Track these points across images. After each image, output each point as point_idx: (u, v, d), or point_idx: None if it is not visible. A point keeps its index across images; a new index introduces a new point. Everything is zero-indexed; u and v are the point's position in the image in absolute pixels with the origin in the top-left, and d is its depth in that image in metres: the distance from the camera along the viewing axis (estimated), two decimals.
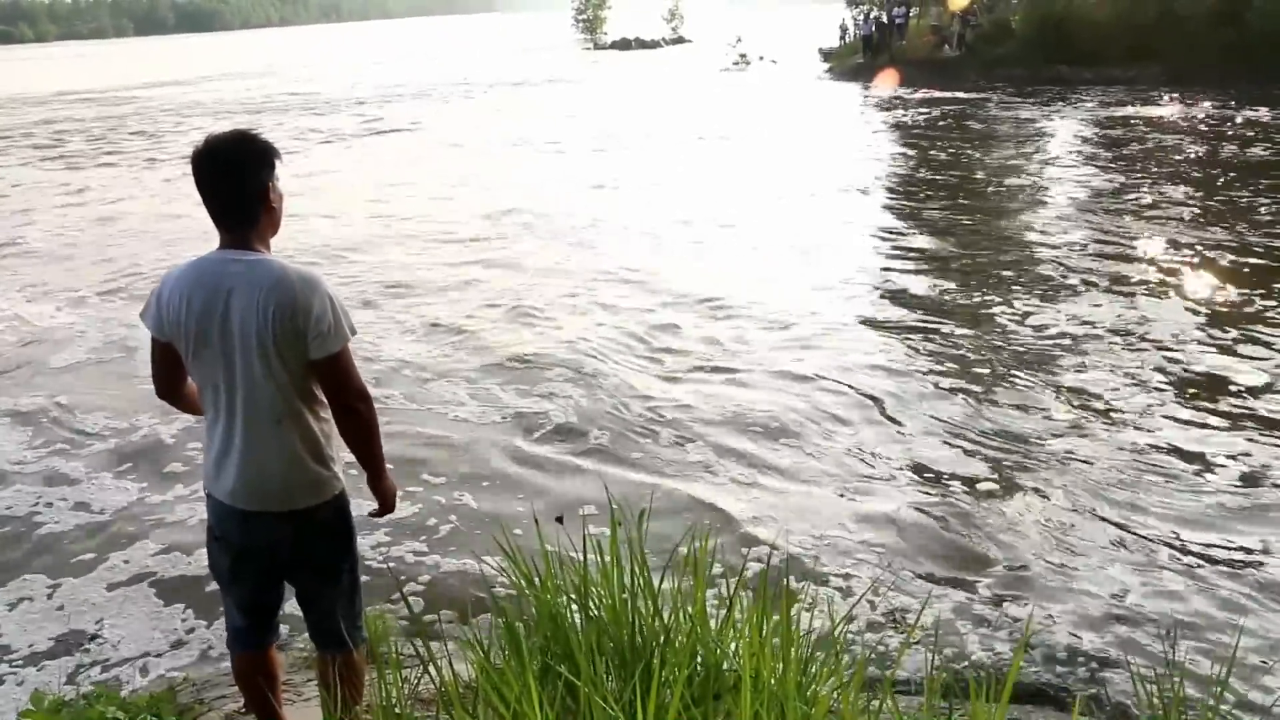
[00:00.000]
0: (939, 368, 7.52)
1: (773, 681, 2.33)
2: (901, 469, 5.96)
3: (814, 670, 2.58)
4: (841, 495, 5.70)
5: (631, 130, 22.62)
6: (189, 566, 5.20)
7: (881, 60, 32.69)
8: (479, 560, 5.00)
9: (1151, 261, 10.12)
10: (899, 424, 6.59)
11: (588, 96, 31.34)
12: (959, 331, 8.28)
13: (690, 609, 2.52)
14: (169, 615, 4.83)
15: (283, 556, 2.88)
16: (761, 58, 42.28)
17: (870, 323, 8.75)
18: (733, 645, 2.55)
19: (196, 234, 13.07)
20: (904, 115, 23.06)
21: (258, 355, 2.65)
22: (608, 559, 2.58)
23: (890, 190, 14.92)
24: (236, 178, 2.69)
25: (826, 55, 39.05)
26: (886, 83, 29.54)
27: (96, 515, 5.83)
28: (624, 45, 63.23)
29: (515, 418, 7.05)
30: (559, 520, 3.12)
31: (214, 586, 4.84)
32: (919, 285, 9.73)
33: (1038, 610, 4.42)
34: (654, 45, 63.15)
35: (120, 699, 3.56)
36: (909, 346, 8.04)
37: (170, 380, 2.91)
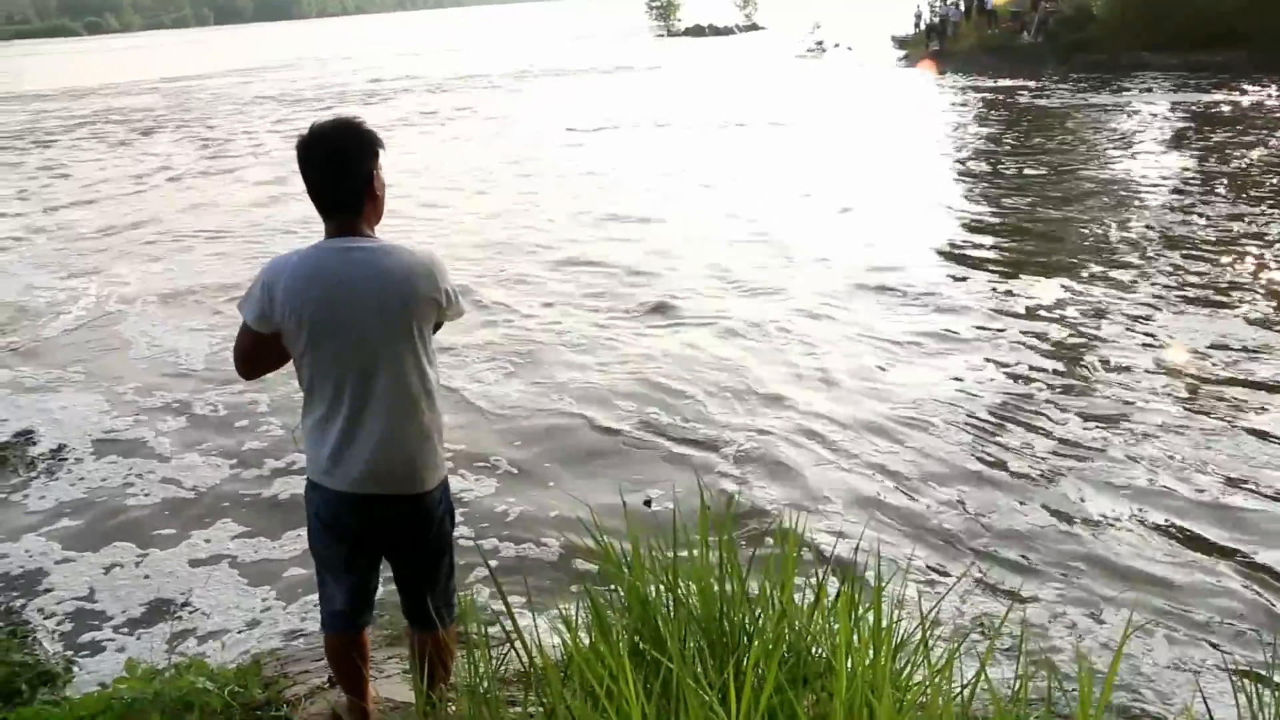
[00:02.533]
0: (1021, 364, 7.36)
1: (864, 667, 2.29)
2: (992, 464, 5.85)
3: (904, 660, 2.55)
4: (931, 486, 5.62)
5: (715, 119, 22.46)
6: (270, 546, 5.32)
7: (952, 47, 32.10)
8: (565, 542, 5.03)
9: (1236, 261, 9.76)
10: (986, 420, 6.47)
11: (665, 84, 31.12)
12: (1046, 330, 8.08)
13: (779, 595, 2.49)
14: (251, 591, 4.93)
15: (399, 540, 2.92)
16: (837, 45, 41.76)
17: (950, 312, 8.60)
18: (822, 632, 2.52)
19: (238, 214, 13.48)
20: (979, 105, 22.62)
21: (399, 338, 2.68)
22: (696, 543, 2.57)
23: (962, 183, 14.61)
24: (343, 165, 2.69)
25: (901, 43, 38.47)
26: (953, 70, 29.01)
27: (184, 492, 5.98)
28: (697, 32, 62.91)
29: (604, 399, 7.08)
30: (647, 504, 3.10)
31: (292, 568, 5.00)
32: (996, 284, 9.52)
33: (1135, 614, 4.28)
34: (728, 32, 62.74)
35: (210, 669, 3.63)
36: (991, 343, 7.87)
37: (260, 369, 2.91)
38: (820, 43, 41.60)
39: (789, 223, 12.35)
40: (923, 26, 37.66)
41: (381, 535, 2.91)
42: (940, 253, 10.63)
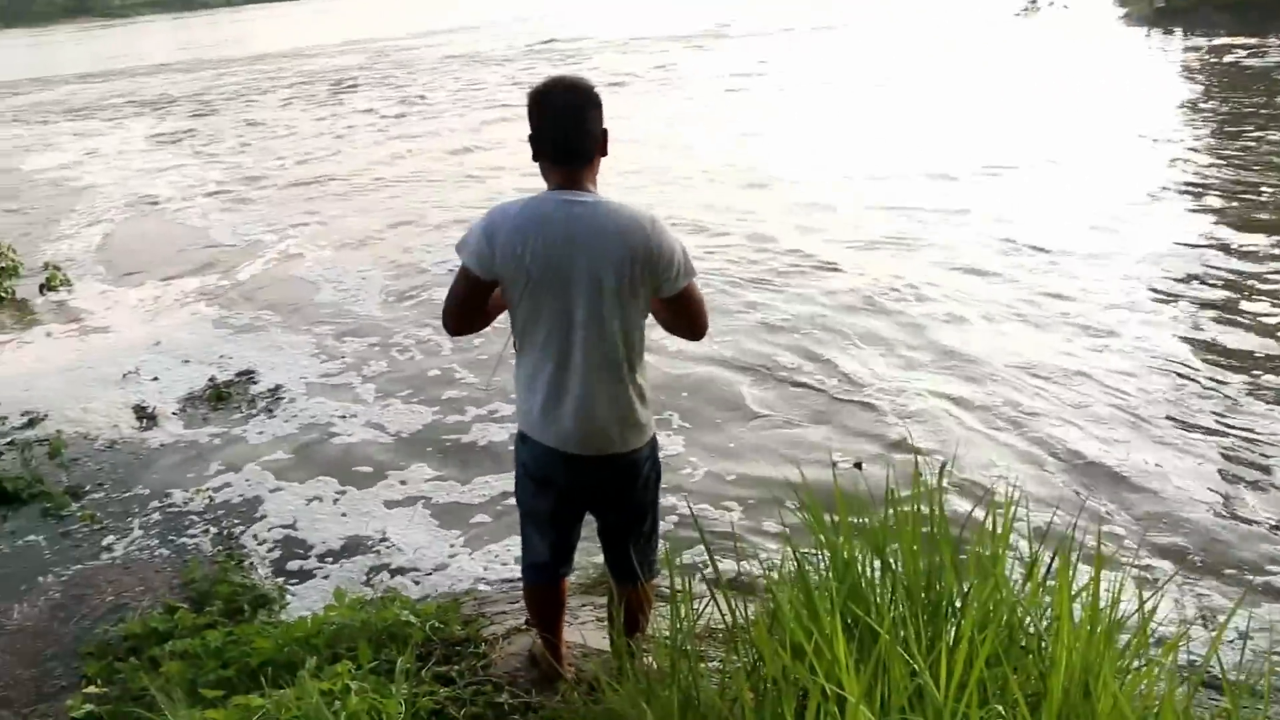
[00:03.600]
0: (1251, 340, 6.84)
1: (1082, 647, 2.18)
2: (1222, 444, 5.48)
3: (1121, 644, 2.41)
4: (1155, 465, 5.31)
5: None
6: (462, 492, 5.50)
7: (1178, 3, 29.88)
8: (768, 500, 4.97)
9: None
10: (1213, 392, 6.07)
11: (881, 44, 29.90)
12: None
13: (991, 565, 2.40)
14: (443, 533, 5.12)
15: (603, 497, 2.95)
16: (1052, 2, 39.47)
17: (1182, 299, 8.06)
18: (1035, 607, 2.42)
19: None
20: (1206, 67, 20.94)
21: (609, 298, 2.67)
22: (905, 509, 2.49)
23: (1178, 150, 13.51)
24: (581, 117, 2.74)
25: None
26: (1179, 27, 26.94)
27: (384, 434, 6.25)
28: None
29: (818, 359, 6.97)
30: (858, 466, 3.03)
31: (481, 515, 5.14)
32: (1211, 255, 8.83)
33: None
34: None
35: (412, 604, 3.78)
36: (1214, 317, 7.31)
37: (472, 317, 2.89)
38: (1034, 1, 39.43)
39: (983, 180, 11.86)
40: None
41: (587, 492, 2.94)
42: (1150, 219, 9.96)
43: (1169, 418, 5.82)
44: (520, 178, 12.55)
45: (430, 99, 22.91)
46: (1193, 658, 3.16)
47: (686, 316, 2.89)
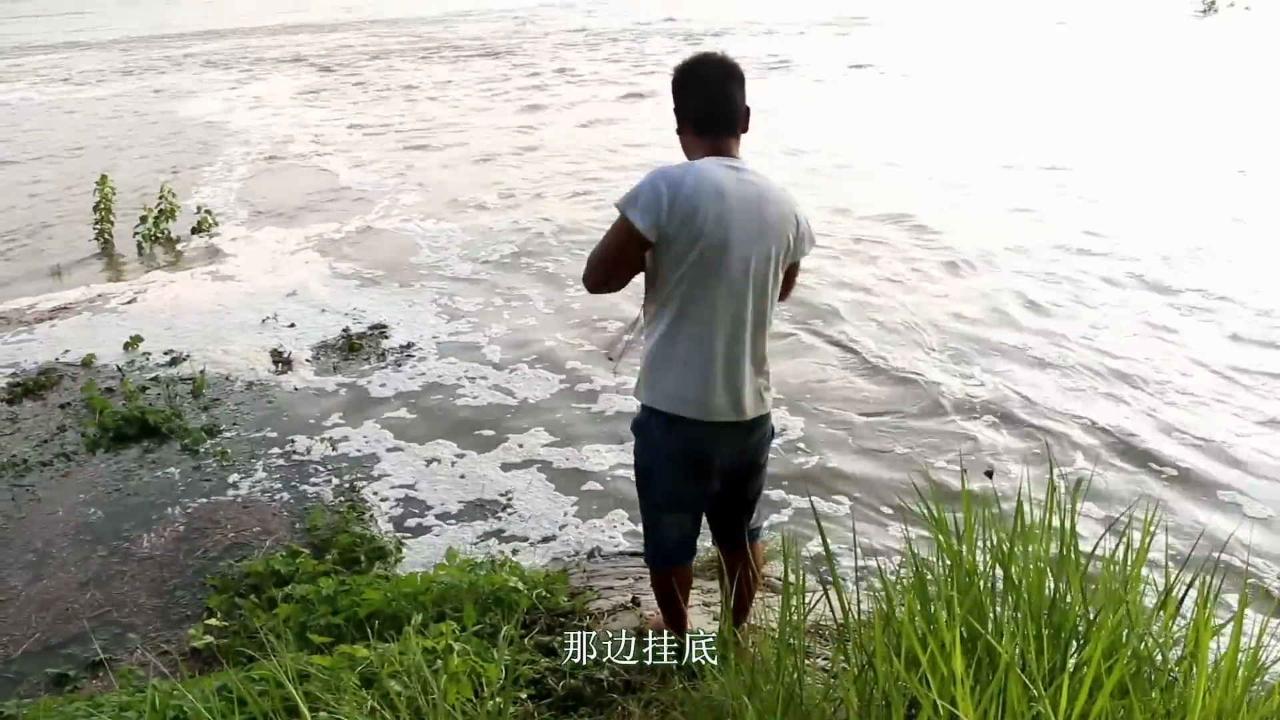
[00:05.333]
0: None
1: (1218, 690, 2.04)
2: None
3: (1261, 690, 2.25)
4: None
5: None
6: (579, 462, 5.50)
7: None
8: (889, 498, 4.89)
9: None
10: None
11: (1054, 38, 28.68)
12: None
13: (1123, 591, 2.26)
14: (558, 498, 5.15)
15: (744, 465, 2.94)
16: (1232, 3, 37.16)
17: None
18: (1167, 641, 2.28)
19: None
20: None
21: (773, 267, 2.75)
22: (1034, 523, 2.37)
23: None
24: (734, 88, 2.81)
25: None
26: None
27: (508, 399, 6.31)
28: None
29: (953, 360, 6.78)
30: (989, 475, 2.92)
31: (594, 484, 5.12)
32: None
33: None
34: None
35: (521, 570, 3.80)
36: None
37: (621, 275, 2.83)
38: (1212, 2, 37.22)
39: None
40: None
41: (736, 463, 2.92)
42: None
43: None
44: (635, 150, 12.66)
45: (552, 70, 23.05)
46: None
47: (789, 284, 2.98)
